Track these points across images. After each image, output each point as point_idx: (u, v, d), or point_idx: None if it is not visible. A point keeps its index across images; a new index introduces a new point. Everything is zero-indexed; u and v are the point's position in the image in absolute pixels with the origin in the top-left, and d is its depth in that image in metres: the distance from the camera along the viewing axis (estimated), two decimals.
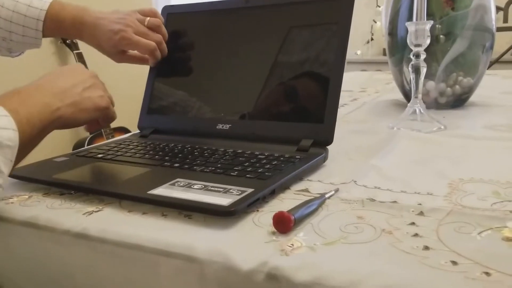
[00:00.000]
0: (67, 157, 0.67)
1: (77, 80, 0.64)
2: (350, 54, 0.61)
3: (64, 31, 0.79)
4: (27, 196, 0.55)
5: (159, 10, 0.82)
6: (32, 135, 0.55)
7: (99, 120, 0.68)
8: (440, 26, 0.89)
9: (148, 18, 0.77)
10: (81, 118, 0.63)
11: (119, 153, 0.67)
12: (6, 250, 0.52)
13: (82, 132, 2.40)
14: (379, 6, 2.94)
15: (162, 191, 0.50)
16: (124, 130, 2.28)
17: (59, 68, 0.69)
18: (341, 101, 0.64)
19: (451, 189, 0.51)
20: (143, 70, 0.84)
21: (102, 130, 2.10)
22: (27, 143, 0.53)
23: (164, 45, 0.79)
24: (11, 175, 0.52)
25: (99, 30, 0.76)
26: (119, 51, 0.78)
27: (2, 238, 0.52)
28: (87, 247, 0.45)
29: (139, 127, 0.81)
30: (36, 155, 0.60)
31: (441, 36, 0.89)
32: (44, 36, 0.78)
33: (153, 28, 0.78)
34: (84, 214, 0.49)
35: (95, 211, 0.49)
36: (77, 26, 0.77)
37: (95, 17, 0.76)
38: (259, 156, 0.61)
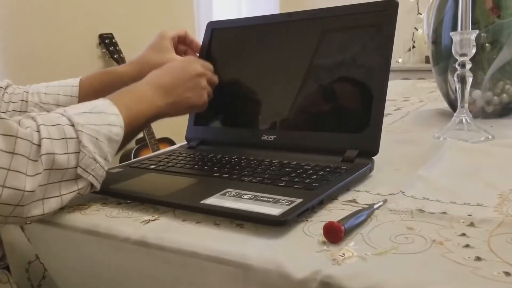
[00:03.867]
0: (121, 168, 0.70)
1: (182, 79, 0.69)
2: (391, 62, 0.62)
3: None
4: (86, 206, 0.58)
5: (203, 25, 0.88)
6: (135, 129, 0.63)
7: None
8: (485, 34, 0.88)
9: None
10: (175, 116, 0.70)
11: (169, 164, 0.70)
12: (64, 257, 0.56)
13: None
14: (420, 14, 2.90)
15: (214, 200, 0.52)
16: (168, 141, 2.34)
17: (170, 63, 0.72)
18: (384, 111, 0.65)
19: (501, 200, 0.50)
20: None
21: (148, 141, 2.16)
22: (129, 136, 0.61)
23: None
24: None
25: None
26: None
27: (61, 244, 0.55)
28: (145, 254, 0.48)
29: (186, 139, 0.83)
30: None
31: (487, 44, 0.88)
32: None
33: (187, 43, 0.83)
34: (141, 222, 0.51)
35: (152, 220, 0.52)
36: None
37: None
38: (305, 166, 0.62)
